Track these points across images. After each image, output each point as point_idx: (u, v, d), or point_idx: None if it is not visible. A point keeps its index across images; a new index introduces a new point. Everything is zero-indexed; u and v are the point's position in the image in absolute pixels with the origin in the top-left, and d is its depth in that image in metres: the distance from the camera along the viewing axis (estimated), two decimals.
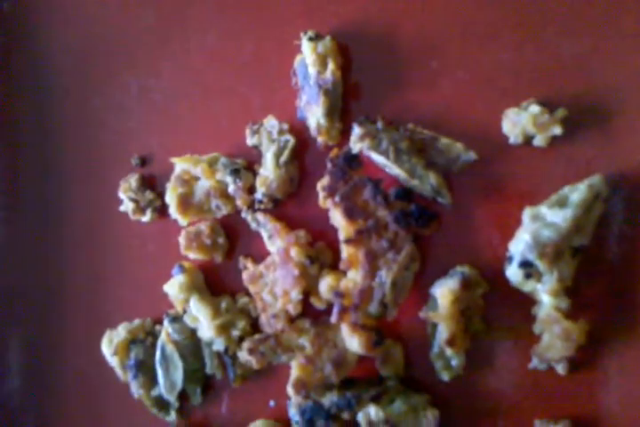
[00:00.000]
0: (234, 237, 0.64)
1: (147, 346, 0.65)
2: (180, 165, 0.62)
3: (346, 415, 0.57)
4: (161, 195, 0.66)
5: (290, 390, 0.56)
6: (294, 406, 0.58)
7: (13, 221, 0.73)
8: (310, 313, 0.60)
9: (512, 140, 0.55)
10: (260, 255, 0.62)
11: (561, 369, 0.54)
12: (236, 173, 0.60)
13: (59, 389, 0.71)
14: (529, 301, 0.54)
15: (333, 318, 0.56)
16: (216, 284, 0.65)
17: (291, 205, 0.62)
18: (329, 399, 0.57)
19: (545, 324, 0.53)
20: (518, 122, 0.54)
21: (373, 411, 0.56)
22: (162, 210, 0.66)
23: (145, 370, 0.64)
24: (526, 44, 0.55)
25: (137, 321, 0.66)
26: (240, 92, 0.64)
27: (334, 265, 0.59)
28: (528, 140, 0.55)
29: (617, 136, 0.54)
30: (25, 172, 0.73)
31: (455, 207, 0.57)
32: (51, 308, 0.71)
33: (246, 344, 0.59)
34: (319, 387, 0.57)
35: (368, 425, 0.56)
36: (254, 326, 0.62)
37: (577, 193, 0.52)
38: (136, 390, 0.65)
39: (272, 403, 0.63)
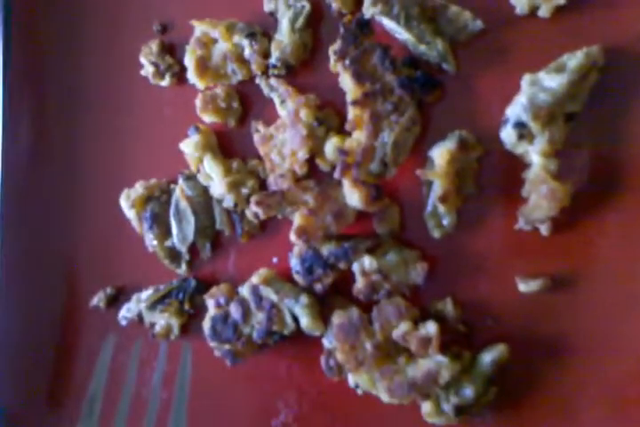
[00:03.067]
0: (248, 104, 0.67)
1: (162, 202, 0.69)
2: (200, 27, 0.65)
3: (342, 265, 0.61)
4: (180, 62, 0.69)
5: (292, 236, 0.60)
6: (295, 256, 0.63)
7: (37, 84, 0.77)
8: (315, 176, 0.64)
9: (518, 9, 0.57)
10: (271, 122, 0.65)
11: (544, 230, 0.57)
12: (252, 36, 0.63)
13: (78, 244, 0.76)
14: (520, 166, 0.57)
15: (337, 174, 0.59)
16: (228, 148, 0.68)
17: (303, 72, 0.65)
18: (327, 249, 0.61)
19: (533, 185, 0.56)
20: None
21: (367, 261, 0.61)
22: (180, 76, 0.70)
23: (159, 223, 0.68)
24: None
25: (153, 180, 0.70)
26: None
27: (340, 130, 0.62)
28: (534, 10, 0.57)
29: (620, 8, 0.55)
30: (48, 35, 0.76)
31: (459, 76, 0.60)
32: (71, 168, 0.76)
33: (254, 198, 0.62)
34: (319, 237, 0.61)
35: (362, 274, 0.61)
36: (262, 187, 0.66)
37: (574, 60, 0.54)
38: (150, 241, 0.69)
39: (275, 259, 0.67)
